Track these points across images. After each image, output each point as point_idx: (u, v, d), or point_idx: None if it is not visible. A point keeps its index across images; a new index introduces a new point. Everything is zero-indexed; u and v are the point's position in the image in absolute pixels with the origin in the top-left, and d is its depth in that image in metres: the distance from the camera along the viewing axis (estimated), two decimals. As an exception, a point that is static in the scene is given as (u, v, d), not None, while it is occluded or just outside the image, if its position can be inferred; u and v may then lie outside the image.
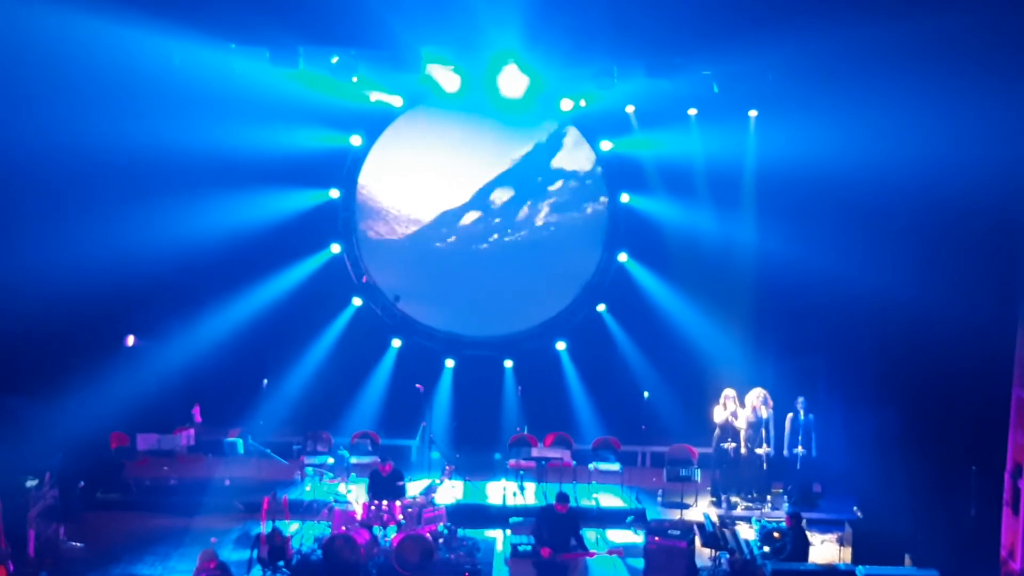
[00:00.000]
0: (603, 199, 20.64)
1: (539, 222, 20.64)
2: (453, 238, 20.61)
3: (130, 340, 19.42)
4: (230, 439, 18.30)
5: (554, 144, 20.55)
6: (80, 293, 17.07)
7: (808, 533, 15.27)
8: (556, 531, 14.45)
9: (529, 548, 14.77)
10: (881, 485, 17.31)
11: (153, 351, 19.24)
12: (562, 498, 14.70)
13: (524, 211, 20.60)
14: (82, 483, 16.91)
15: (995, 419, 15.53)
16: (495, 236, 20.64)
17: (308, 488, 17.00)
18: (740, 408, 17.81)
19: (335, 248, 20.41)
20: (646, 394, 19.15)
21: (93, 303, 17.69)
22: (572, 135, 20.54)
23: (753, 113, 19.48)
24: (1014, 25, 14.75)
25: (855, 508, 16.90)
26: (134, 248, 17.65)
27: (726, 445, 17.70)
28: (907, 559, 14.89)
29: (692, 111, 19.75)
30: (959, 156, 15.63)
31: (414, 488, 16.72)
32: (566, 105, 19.92)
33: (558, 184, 20.60)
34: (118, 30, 15.72)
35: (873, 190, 17.61)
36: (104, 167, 17.68)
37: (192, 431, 18.22)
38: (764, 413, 17.72)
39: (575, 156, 20.57)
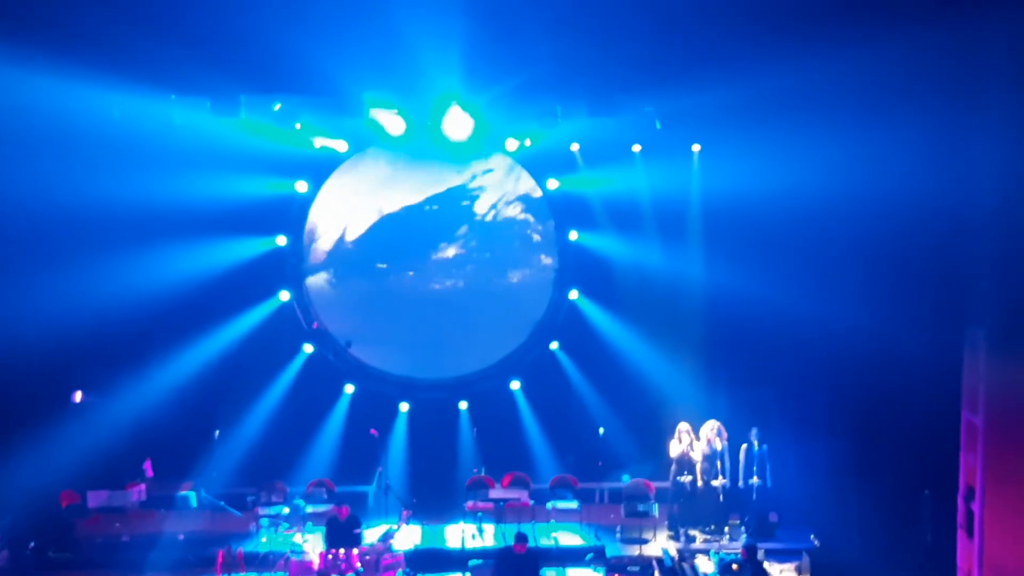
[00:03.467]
0: (552, 237, 20.68)
1: (489, 261, 20.63)
2: (405, 278, 20.55)
3: (78, 396, 19.16)
4: (182, 493, 18.02)
5: (502, 184, 20.59)
6: (26, 349, 16.88)
7: (766, 563, 15.31)
8: (516, 572, 14.38)
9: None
10: (837, 513, 17.41)
11: (102, 406, 18.98)
12: (521, 538, 14.67)
13: (474, 251, 20.59)
14: (32, 543, 16.64)
15: (946, 443, 15.67)
16: (446, 277, 20.60)
17: (263, 540, 16.80)
18: (695, 441, 17.85)
19: (284, 295, 20.29)
20: (601, 430, 19.20)
21: (39, 359, 17.50)
22: (519, 175, 20.60)
23: (696, 148, 19.63)
24: (954, 59, 15.01)
25: (812, 537, 16.95)
26: (79, 302, 17.41)
27: (683, 479, 17.72)
28: (865, 586, 14.98)
29: (636, 148, 19.88)
30: (901, 185, 15.86)
31: (371, 535, 16.60)
32: (511, 145, 20.01)
33: (507, 222, 20.63)
34: (55, 83, 15.60)
35: (818, 221, 17.83)
36: (45, 222, 17.52)
37: (143, 486, 17.95)
38: (719, 445, 17.78)
39: (523, 195, 20.63)
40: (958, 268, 15.35)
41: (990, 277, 14.44)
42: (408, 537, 17.21)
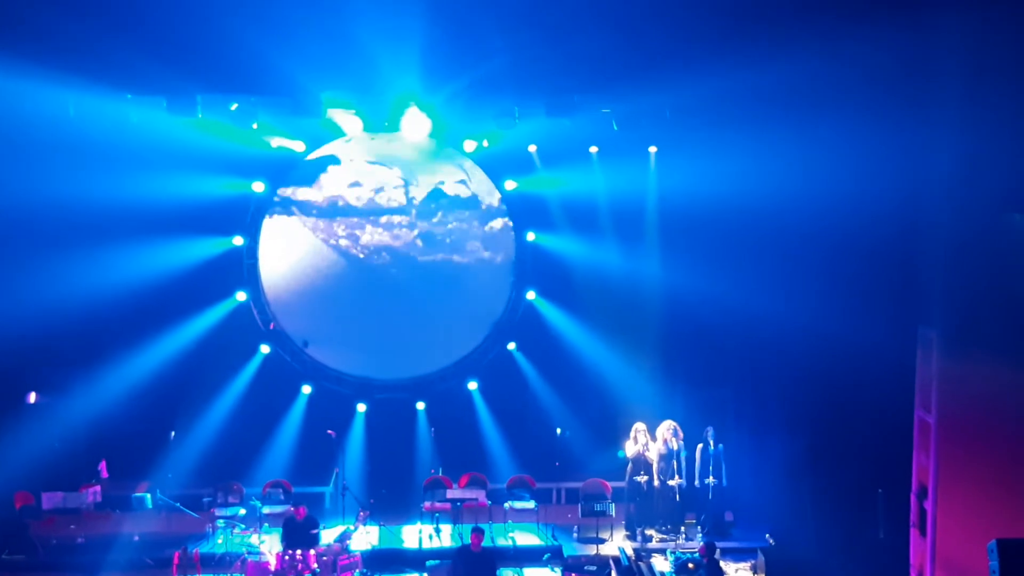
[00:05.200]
0: (510, 237, 20.71)
1: (448, 261, 20.63)
2: (362, 279, 20.51)
3: (32, 397, 19.00)
4: (138, 494, 17.89)
5: (460, 184, 20.60)
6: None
7: (722, 562, 15.41)
8: (473, 572, 14.40)
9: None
10: (792, 511, 17.56)
11: (56, 407, 18.83)
12: (478, 531, 14.71)
13: (433, 251, 20.58)
14: (-15, 546, 16.52)
15: (899, 442, 15.86)
16: (404, 277, 20.58)
17: (220, 541, 16.74)
18: (651, 441, 17.93)
19: (241, 296, 20.19)
20: (559, 431, 19.25)
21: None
22: (477, 175, 20.62)
23: (653, 149, 19.73)
24: (907, 60, 15.20)
25: (767, 535, 17.08)
26: (33, 302, 17.29)
27: (639, 478, 17.79)
28: (820, 584, 15.12)
29: (594, 149, 19.97)
30: (853, 186, 16.06)
31: (328, 535, 16.58)
32: (469, 146, 20.02)
33: (465, 224, 20.64)
34: (7, 81, 15.46)
35: (773, 221, 17.98)
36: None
37: (99, 487, 17.83)
38: (675, 445, 17.85)
39: (481, 195, 20.65)
40: (911, 268, 15.54)
41: (942, 277, 14.63)
42: (365, 538, 17.20)
